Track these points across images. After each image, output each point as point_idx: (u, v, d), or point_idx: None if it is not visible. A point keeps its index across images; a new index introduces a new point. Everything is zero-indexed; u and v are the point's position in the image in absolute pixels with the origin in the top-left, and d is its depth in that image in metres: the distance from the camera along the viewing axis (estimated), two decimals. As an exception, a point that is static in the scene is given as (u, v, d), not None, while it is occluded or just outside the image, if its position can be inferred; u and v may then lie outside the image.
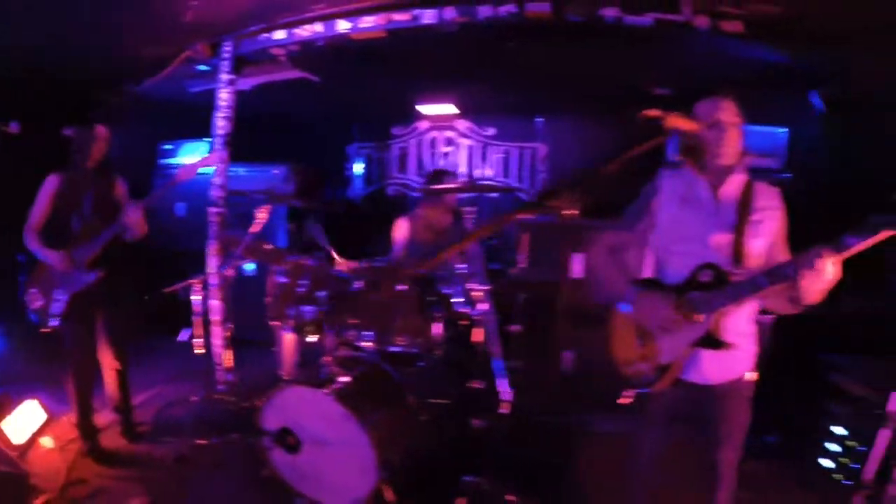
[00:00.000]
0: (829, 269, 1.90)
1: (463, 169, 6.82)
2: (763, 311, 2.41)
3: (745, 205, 2.32)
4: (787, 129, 4.64)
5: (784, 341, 4.36)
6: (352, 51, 4.42)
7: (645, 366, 2.36)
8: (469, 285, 3.24)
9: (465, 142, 6.86)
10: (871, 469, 3.34)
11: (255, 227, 3.68)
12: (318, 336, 3.50)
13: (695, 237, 2.35)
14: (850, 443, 3.57)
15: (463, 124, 6.82)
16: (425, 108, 6.74)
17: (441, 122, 6.96)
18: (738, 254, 2.27)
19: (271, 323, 3.62)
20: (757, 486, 3.71)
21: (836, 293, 4.41)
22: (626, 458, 2.69)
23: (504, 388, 3.43)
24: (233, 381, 4.45)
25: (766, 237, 2.32)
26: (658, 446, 2.60)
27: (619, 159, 1.91)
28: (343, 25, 4.13)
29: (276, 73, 4.88)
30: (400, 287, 3.21)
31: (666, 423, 2.55)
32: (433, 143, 6.96)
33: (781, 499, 3.66)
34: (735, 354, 2.30)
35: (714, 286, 2.20)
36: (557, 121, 6.32)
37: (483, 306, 3.16)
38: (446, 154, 6.90)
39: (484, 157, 6.73)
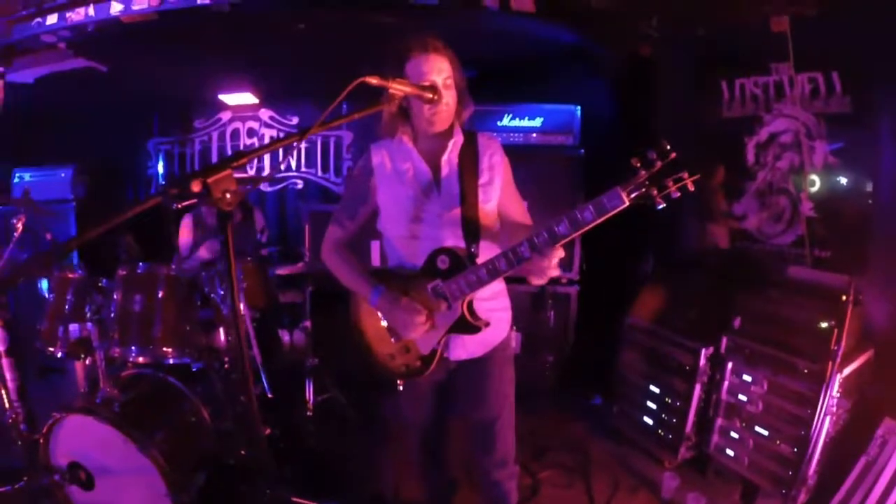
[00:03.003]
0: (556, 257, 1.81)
1: (266, 160, 6.52)
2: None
3: (468, 171, 2.15)
4: (579, 106, 4.79)
5: (589, 309, 4.55)
6: (137, 36, 4.13)
7: (408, 357, 2.20)
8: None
9: (268, 132, 6.52)
10: (689, 423, 3.53)
11: (15, 240, 3.13)
12: (89, 357, 3.01)
13: (421, 217, 2.15)
14: (667, 400, 3.71)
15: (266, 113, 6.48)
16: (227, 98, 6.33)
17: (243, 113, 6.55)
18: (471, 229, 2.12)
19: (41, 347, 3.08)
20: (583, 447, 3.86)
21: (637, 257, 4.54)
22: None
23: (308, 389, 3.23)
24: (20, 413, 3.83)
25: (497, 196, 2.20)
26: (421, 411, 2.47)
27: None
28: (115, 7, 3.85)
29: (56, 63, 4.51)
30: (160, 293, 2.90)
31: (429, 388, 2.42)
32: (235, 134, 6.54)
33: (607, 456, 3.80)
34: (494, 324, 2.23)
35: (454, 272, 2.04)
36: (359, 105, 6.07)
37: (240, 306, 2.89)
38: (249, 146, 6.51)
39: (287, 147, 6.40)
